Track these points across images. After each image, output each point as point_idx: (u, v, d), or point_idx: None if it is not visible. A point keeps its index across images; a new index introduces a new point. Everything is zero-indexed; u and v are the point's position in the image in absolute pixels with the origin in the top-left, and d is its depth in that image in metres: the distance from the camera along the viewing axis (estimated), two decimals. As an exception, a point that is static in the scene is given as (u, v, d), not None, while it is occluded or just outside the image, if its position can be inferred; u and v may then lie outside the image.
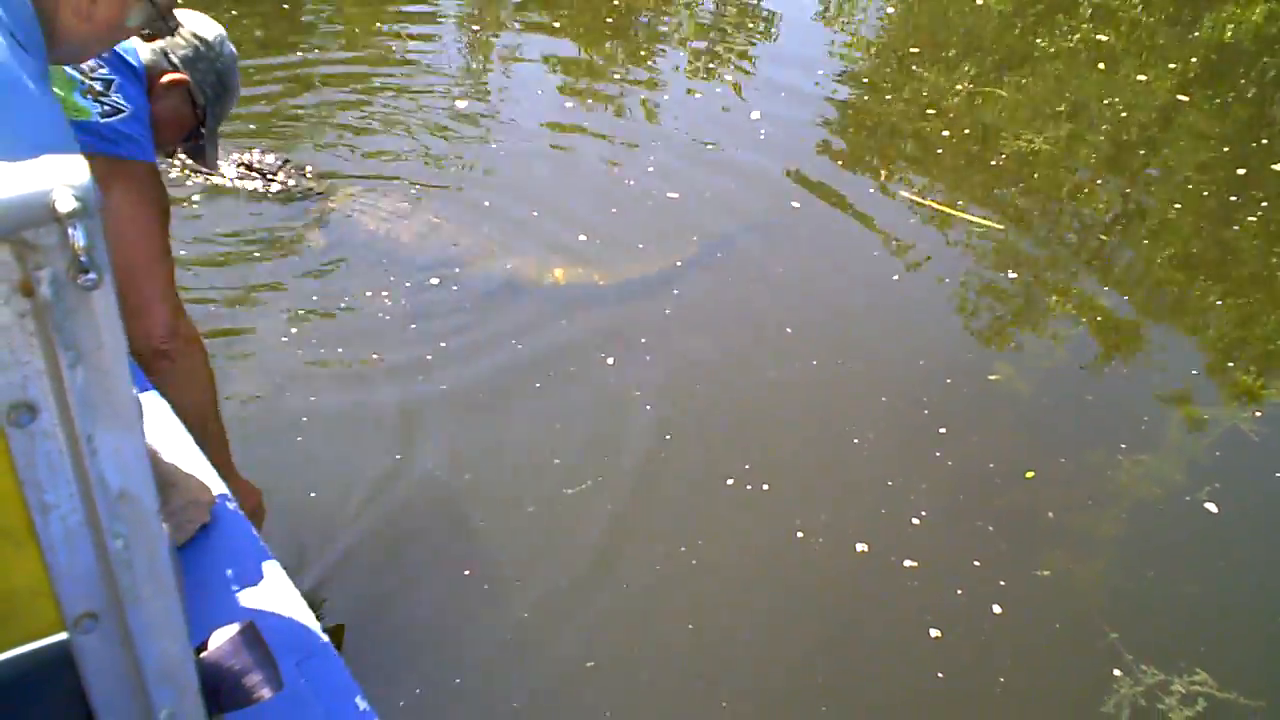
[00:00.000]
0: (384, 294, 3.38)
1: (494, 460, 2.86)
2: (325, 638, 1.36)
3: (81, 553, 0.76)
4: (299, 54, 5.02)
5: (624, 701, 2.29)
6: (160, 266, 1.71)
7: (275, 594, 1.40)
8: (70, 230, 0.63)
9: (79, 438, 0.71)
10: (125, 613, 0.79)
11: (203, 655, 0.95)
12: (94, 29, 1.18)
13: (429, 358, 3.16)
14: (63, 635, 0.80)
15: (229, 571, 1.41)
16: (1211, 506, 2.97)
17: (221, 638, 0.98)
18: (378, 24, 5.48)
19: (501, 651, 2.37)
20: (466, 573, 2.53)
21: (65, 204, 0.63)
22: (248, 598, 1.39)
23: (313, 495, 2.64)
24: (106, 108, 1.60)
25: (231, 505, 1.54)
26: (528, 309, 3.46)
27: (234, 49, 1.93)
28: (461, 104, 4.68)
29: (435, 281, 3.48)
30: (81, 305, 0.66)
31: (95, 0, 1.16)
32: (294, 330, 3.19)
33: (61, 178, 0.64)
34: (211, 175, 3.48)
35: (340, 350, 3.13)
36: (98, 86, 1.60)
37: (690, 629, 2.48)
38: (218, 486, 1.57)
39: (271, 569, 1.45)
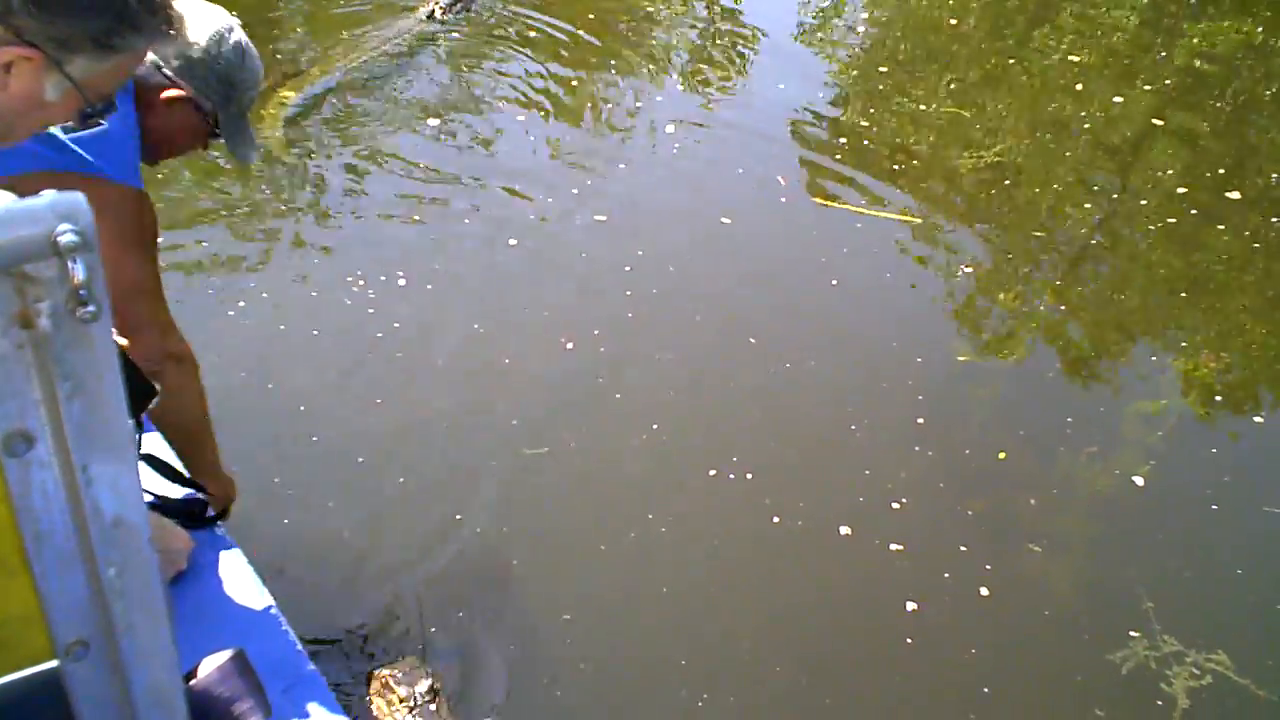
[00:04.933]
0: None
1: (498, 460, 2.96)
2: (312, 665, 1.36)
3: (74, 581, 0.77)
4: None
5: (599, 654, 2.43)
6: (140, 291, 1.64)
7: (263, 621, 1.40)
8: (70, 264, 0.64)
9: (74, 467, 0.72)
10: (117, 641, 0.80)
11: (192, 683, 0.95)
12: (10, 101, 1.13)
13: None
14: (53, 663, 0.80)
15: (218, 598, 1.41)
16: (1209, 491, 3.10)
17: (210, 665, 0.98)
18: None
19: (482, 598, 2.51)
20: (458, 516, 2.70)
21: (66, 238, 0.64)
22: (236, 624, 1.39)
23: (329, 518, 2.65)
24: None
25: (220, 530, 1.54)
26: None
27: (238, 39, 1.77)
28: (433, 122, 4.70)
29: (403, 283, 3.51)
30: (80, 337, 0.67)
31: (9, 70, 1.11)
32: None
33: (62, 212, 0.65)
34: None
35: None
36: None
37: (665, 592, 2.60)
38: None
39: (260, 596, 1.46)
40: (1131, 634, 2.58)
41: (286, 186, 4.07)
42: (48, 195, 0.66)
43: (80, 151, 1.53)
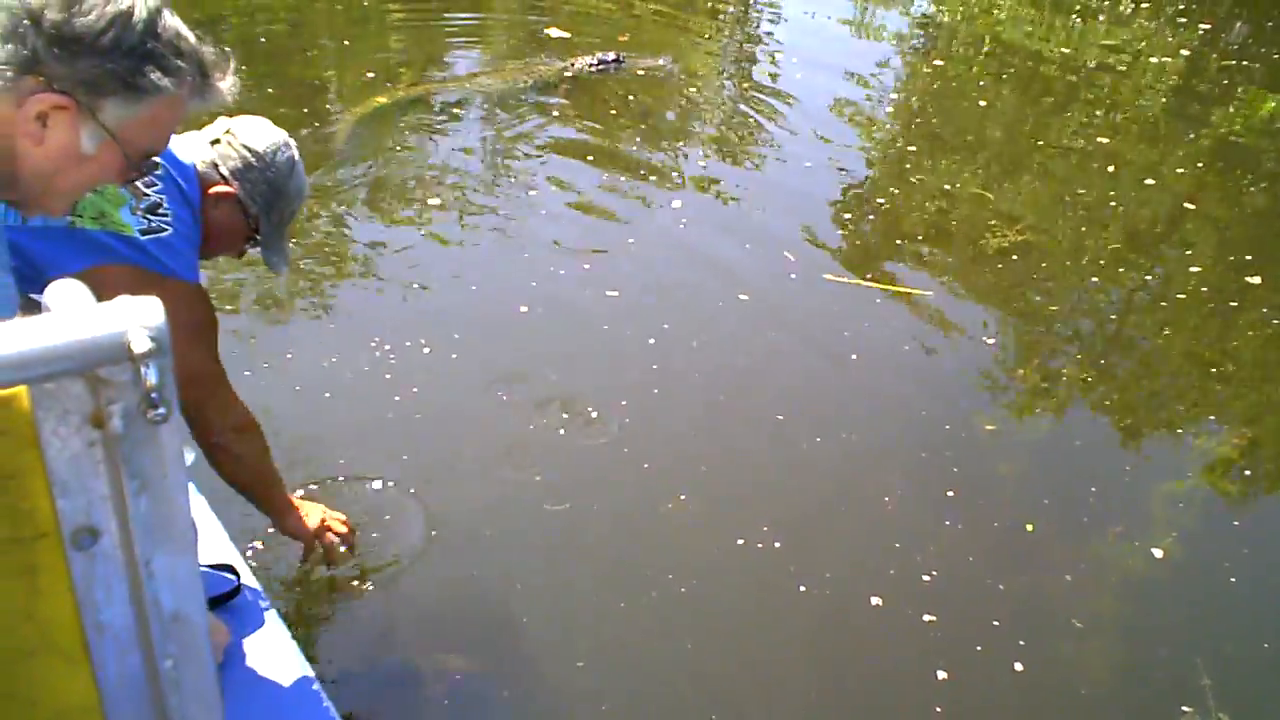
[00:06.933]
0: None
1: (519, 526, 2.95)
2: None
3: (131, 671, 0.79)
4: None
5: (612, 702, 2.44)
6: (204, 377, 1.82)
7: (304, 696, 1.41)
8: (143, 369, 0.67)
9: (137, 561, 0.74)
10: (170, 730, 0.81)
11: (238, 769, 0.96)
12: (49, 157, 1.15)
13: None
14: (107, 751, 0.82)
15: (259, 672, 1.42)
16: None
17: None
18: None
19: (493, 647, 2.53)
20: (474, 573, 2.73)
21: (140, 345, 0.67)
22: (277, 699, 1.40)
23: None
24: (152, 224, 1.68)
25: (264, 604, 1.55)
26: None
27: (292, 154, 1.97)
28: (457, 193, 4.81)
29: (427, 351, 3.55)
30: (149, 438, 0.70)
31: (45, 122, 1.13)
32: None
33: (137, 319, 0.68)
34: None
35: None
36: (145, 206, 1.69)
37: (689, 648, 2.60)
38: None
39: (300, 669, 1.46)
40: (1184, 709, 2.55)
41: (313, 249, 4.16)
42: (124, 302, 0.69)
43: (151, 251, 1.67)
